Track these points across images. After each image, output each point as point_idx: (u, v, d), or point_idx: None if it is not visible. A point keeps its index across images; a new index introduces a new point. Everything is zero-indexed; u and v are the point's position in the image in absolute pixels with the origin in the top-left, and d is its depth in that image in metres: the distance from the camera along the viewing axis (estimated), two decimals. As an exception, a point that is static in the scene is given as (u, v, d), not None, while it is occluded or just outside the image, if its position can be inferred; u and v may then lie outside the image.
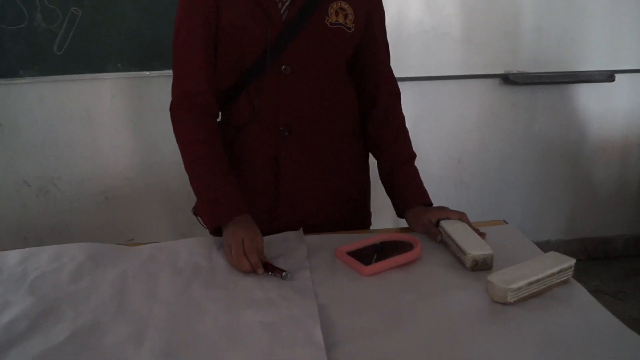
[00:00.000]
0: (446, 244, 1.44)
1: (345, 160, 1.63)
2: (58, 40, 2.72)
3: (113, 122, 2.91)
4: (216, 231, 1.47)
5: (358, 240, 1.45)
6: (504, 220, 1.62)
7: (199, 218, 1.56)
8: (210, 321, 1.17)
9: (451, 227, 1.45)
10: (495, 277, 1.23)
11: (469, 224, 1.45)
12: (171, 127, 1.52)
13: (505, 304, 1.21)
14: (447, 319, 1.15)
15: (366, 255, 1.38)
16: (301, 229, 1.53)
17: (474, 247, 1.35)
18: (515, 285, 1.21)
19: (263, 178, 1.57)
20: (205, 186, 1.45)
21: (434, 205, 1.58)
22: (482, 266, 1.34)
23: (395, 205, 1.59)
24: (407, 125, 1.67)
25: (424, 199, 1.55)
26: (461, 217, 1.48)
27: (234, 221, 1.41)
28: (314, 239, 1.51)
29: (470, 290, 1.26)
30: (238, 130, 1.56)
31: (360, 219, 1.70)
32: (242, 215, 1.41)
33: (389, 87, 1.62)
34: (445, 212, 1.48)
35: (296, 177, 1.57)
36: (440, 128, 3.12)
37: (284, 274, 1.28)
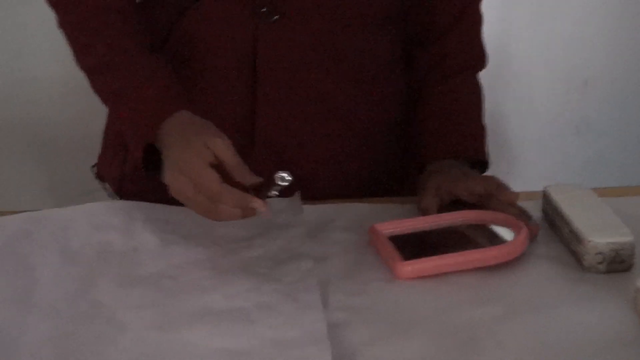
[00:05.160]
0: (556, 226, 1.10)
1: (378, 68, 1.24)
2: None
3: None
4: (150, 163, 1.09)
5: (413, 217, 1.13)
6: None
7: (106, 184, 1.27)
8: (130, 344, 0.90)
9: (563, 197, 1.11)
10: (652, 284, 0.94)
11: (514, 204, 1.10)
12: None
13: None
14: (562, 350, 0.90)
15: (419, 244, 1.09)
16: (298, 192, 1.17)
17: (601, 230, 1.03)
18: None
19: (226, 96, 1.21)
20: (120, 83, 1.12)
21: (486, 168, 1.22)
22: (615, 263, 1.02)
23: (415, 153, 1.24)
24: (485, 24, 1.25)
25: (466, 149, 1.20)
26: (498, 191, 1.10)
27: (175, 122, 1.06)
28: (321, 209, 1.18)
29: (601, 304, 0.98)
30: (183, 10, 1.20)
31: (410, 179, 1.29)
32: (180, 112, 1.08)
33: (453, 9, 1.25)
34: (473, 182, 1.12)
35: (285, 95, 1.20)
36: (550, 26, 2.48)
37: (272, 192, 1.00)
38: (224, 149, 0.99)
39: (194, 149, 0.99)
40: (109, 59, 1.11)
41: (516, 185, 1.19)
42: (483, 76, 1.30)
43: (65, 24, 1.15)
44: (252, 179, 0.98)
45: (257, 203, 0.97)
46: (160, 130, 1.04)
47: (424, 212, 1.10)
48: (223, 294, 0.95)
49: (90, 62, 1.13)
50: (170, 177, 1.00)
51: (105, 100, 1.14)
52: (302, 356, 0.84)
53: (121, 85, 1.10)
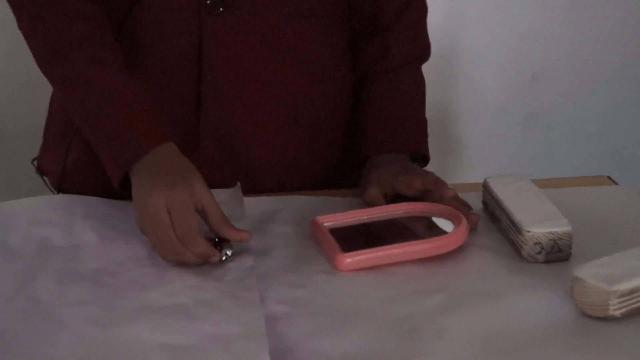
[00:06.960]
0: (495, 217, 1.10)
1: (325, 62, 1.24)
2: None
3: None
4: (125, 186, 1.08)
5: (356, 209, 1.13)
6: (609, 177, 1.29)
7: (46, 178, 1.25)
8: (69, 340, 0.88)
9: (502, 188, 1.11)
10: (587, 272, 0.93)
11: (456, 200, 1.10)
12: None
13: (605, 318, 0.93)
14: (503, 339, 0.90)
15: (360, 236, 1.08)
16: (239, 184, 1.16)
17: (539, 220, 1.03)
18: (623, 287, 0.93)
19: (172, 87, 1.19)
20: (99, 101, 1.09)
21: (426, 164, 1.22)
22: (553, 253, 1.02)
23: (357, 146, 1.23)
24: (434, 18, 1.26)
25: (407, 143, 1.20)
26: (436, 187, 1.10)
27: (154, 157, 1.05)
28: (263, 202, 1.17)
29: (541, 293, 0.98)
30: (131, 5, 1.18)
31: (353, 171, 1.30)
32: (165, 143, 1.06)
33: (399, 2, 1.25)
34: (412, 177, 1.12)
35: (231, 88, 1.19)
36: (498, 21, 2.48)
37: (224, 251, 1.01)
38: (212, 202, 0.99)
39: (181, 194, 0.99)
40: (86, 72, 1.08)
41: (464, 179, 1.20)
42: (432, 71, 1.28)
43: (32, 29, 1.12)
44: (236, 236, 0.99)
45: (216, 257, 0.99)
46: (139, 160, 1.04)
47: (369, 204, 1.09)
48: (164, 291, 0.94)
49: (61, 72, 1.10)
50: (145, 204, 1.00)
51: (77, 114, 1.11)
52: (241, 351, 0.84)
53: (100, 105, 1.08)
